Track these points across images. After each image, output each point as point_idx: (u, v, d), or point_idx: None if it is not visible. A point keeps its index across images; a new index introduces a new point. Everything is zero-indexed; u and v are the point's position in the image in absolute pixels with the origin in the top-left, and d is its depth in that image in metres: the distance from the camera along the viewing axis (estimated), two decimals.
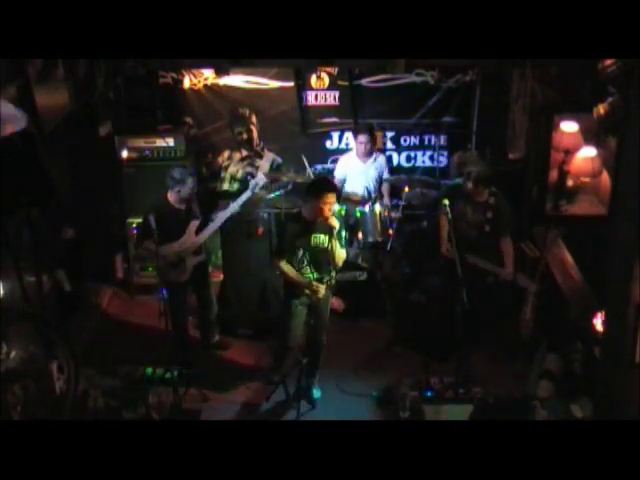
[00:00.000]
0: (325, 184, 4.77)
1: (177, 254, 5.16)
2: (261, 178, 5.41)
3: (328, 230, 4.68)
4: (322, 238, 4.74)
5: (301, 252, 4.76)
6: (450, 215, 4.94)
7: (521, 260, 5.68)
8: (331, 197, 4.62)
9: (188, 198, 5.21)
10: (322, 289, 4.77)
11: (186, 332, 5.49)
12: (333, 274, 4.90)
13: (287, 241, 4.76)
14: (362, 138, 6.26)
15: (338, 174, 6.43)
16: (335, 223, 4.66)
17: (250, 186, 5.36)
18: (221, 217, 5.30)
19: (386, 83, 6.83)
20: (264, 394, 5.14)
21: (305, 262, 4.78)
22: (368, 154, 6.31)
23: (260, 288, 5.86)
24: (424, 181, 6.34)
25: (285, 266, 4.76)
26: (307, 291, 4.77)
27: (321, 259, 4.77)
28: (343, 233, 4.96)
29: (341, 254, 4.81)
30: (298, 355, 4.87)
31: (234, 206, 5.30)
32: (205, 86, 6.79)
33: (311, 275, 4.80)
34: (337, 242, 4.73)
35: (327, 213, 4.62)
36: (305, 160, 6.14)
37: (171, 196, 5.17)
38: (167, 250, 5.10)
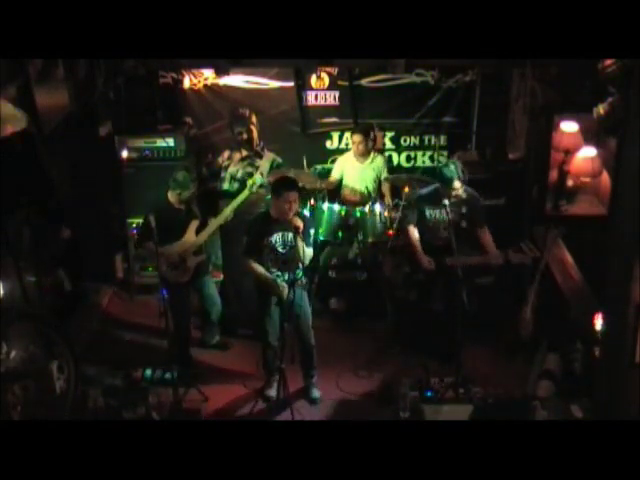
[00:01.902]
0: (285, 183, 4.75)
1: (178, 255, 5.16)
2: (258, 177, 5.43)
3: (293, 229, 4.68)
4: (288, 236, 4.74)
5: (267, 251, 4.78)
6: (450, 215, 4.94)
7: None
8: (292, 195, 4.62)
9: (188, 200, 5.23)
10: (285, 290, 4.70)
11: (188, 333, 5.48)
12: (300, 273, 4.87)
13: (255, 240, 4.78)
14: (355, 138, 6.29)
15: (334, 173, 6.47)
16: (299, 222, 4.66)
17: (247, 185, 5.38)
18: (220, 217, 5.31)
19: (386, 83, 6.83)
20: (263, 394, 5.13)
21: (272, 261, 4.80)
22: (364, 154, 6.31)
23: None
24: (424, 181, 6.33)
25: (254, 265, 4.80)
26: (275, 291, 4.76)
27: (288, 258, 4.77)
28: (311, 231, 4.96)
29: (307, 252, 4.80)
30: (277, 362, 4.78)
31: (233, 206, 5.31)
32: (205, 86, 6.79)
33: (279, 274, 4.81)
34: (302, 241, 4.72)
35: (289, 212, 4.63)
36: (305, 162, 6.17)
37: (172, 196, 5.19)
38: (168, 251, 5.10)
